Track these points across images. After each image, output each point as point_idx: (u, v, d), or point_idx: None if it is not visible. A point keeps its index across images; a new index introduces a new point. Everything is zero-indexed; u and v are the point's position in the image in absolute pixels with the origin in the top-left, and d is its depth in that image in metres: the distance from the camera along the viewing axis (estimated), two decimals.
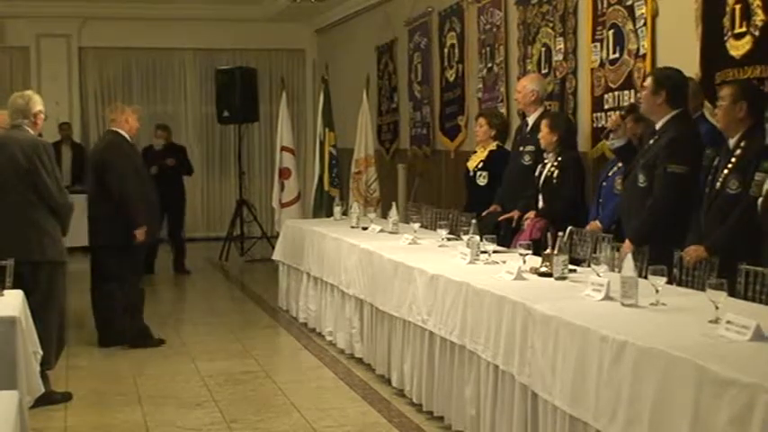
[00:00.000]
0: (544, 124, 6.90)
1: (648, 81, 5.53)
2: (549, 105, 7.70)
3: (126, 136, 7.73)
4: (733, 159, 4.98)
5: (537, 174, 7.02)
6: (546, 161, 6.97)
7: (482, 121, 8.02)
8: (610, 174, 6.45)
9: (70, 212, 6.33)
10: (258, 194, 15.33)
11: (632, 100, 6.57)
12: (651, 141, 5.51)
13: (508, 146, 8.09)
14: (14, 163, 6.02)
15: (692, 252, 5.03)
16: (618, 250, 5.28)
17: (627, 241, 5.39)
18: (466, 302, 4.95)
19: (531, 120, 7.50)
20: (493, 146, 7.89)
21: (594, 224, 6.32)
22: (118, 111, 7.86)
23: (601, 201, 6.55)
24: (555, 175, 6.82)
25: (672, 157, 5.30)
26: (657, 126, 5.49)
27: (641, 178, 5.46)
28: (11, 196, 6.05)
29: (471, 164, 8.00)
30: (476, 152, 8.07)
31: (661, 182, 5.33)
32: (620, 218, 6.02)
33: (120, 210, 7.49)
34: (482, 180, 7.83)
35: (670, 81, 5.48)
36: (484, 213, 7.43)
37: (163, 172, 11.45)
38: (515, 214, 7.13)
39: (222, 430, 5.52)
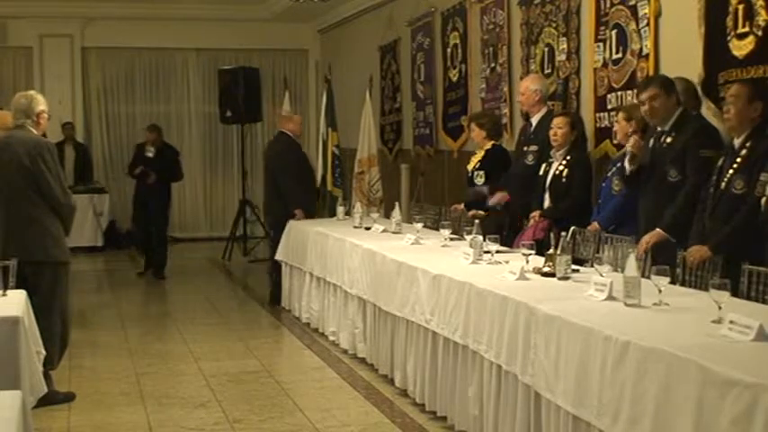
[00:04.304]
0: (564, 122, 6.86)
1: (654, 90, 5.59)
2: (552, 105, 7.70)
3: (291, 135, 9.55)
4: (738, 159, 4.98)
5: (542, 173, 7.01)
6: (552, 160, 6.96)
7: (472, 125, 8.12)
8: (609, 174, 6.45)
9: (73, 212, 6.33)
10: (261, 194, 15.23)
11: (635, 100, 6.54)
12: (669, 140, 5.59)
13: (506, 143, 8.11)
14: (18, 163, 6.02)
15: (696, 252, 5.03)
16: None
17: (656, 231, 5.42)
18: (469, 302, 4.95)
19: (534, 120, 7.50)
20: (488, 145, 7.91)
21: (593, 225, 6.33)
22: (285, 117, 10.01)
23: (600, 201, 6.56)
24: (564, 174, 6.81)
25: (704, 143, 5.42)
26: (667, 126, 5.60)
27: (673, 173, 5.50)
28: (14, 196, 6.04)
29: (470, 165, 8.02)
30: (476, 153, 8.09)
31: (694, 166, 5.41)
32: (621, 220, 6.06)
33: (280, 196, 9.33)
34: (479, 179, 7.83)
35: (672, 83, 5.66)
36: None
37: (147, 174, 11.51)
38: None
39: (225, 430, 5.52)
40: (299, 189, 9.25)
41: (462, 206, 7.98)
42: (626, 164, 5.86)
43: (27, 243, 6.01)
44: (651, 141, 5.77)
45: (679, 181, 5.49)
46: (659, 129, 5.67)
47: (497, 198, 7.54)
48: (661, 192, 5.60)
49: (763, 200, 4.73)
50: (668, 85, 5.63)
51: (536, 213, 6.89)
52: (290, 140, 9.55)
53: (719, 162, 5.15)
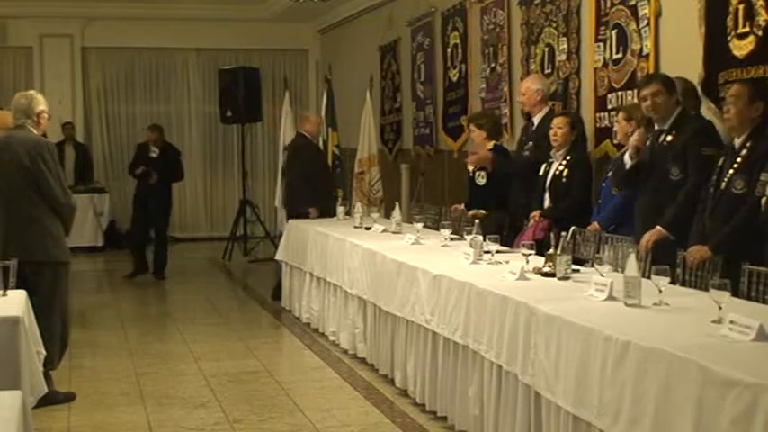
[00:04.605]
0: (564, 122, 6.86)
1: (657, 86, 5.58)
2: (553, 105, 7.70)
3: (307, 135, 9.73)
4: (738, 159, 4.98)
5: (542, 173, 7.01)
6: (552, 160, 6.95)
7: (471, 126, 8.09)
8: (609, 174, 6.44)
9: (73, 212, 6.33)
10: (261, 194, 15.33)
11: (635, 100, 6.54)
12: (669, 138, 5.58)
13: (506, 143, 8.14)
14: (18, 163, 6.02)
15: (696, 252, 5.03)
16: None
17: (657, 229, 5.42)
18: (469, 302, 4.95)
19: (536, 119, 7.51)
20: (489, 145, 7.90)
21: (593, 225, 6.33)
22: (303, 118, 10.12)
23: (600, 201, 6.56)
24: (564, 174, 6.81)
25: (705, 142, 5.43)
26: (667, 125, 5.62)
27: (675, 171, 5.51)
28: (14, 196, 6.05)
29: (471, 166, 8.01)
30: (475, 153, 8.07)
31: (696, 165, 5.41)
32: (621, 220, 6.06)
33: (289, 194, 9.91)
34: (481, 180, 7.83)
35: (673, 82, 5.67)
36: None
37: (149, 174, 11.41)
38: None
39: (225, 430, 5.52)
40: (308, 189, 9.32)
41: (462, 206, 7.98)
42: (626, 158, 5.86)
43: (27, 243, 6.01)
44: (649, 141, 5.77)
45: (681, 180, 5.50)
46: (657, 127, 5.69)
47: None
48: (661, 191, 5.60)
49: (764, 200, 4.72)
50: (669, 83, 5.64)
51: (536, 213, 6.88)
52: (305, 141, 9.70)
53: (720, 162, 5.15)
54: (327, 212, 9.25)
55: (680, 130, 5.57)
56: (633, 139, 5.85)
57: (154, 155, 11.59)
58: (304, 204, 9.22)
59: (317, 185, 9.45)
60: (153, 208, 11.52)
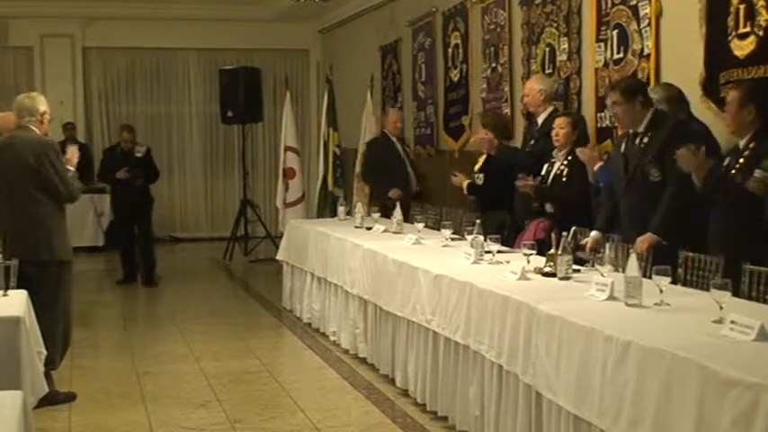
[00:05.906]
0: (566, 123, 6.85)
1: (614, 97, 5.65)
2: (554, 105, 7.70)
3: (386, 132, 10.25)
4: (741, 160, 4.99)
5: (544, 173, 7.00)
6: (554, 160, 6.95)
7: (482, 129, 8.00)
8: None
9: (71, 201, 6.33)
10: (262, 194, 15.34)
11: None
12: (645, 140, 5.58)
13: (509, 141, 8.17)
14: (23, 162, 6.04)
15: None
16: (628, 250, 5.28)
17: (648, 234, 5.40)
18: (470, 302, 4.95)
19: (540, 119, 7.51)
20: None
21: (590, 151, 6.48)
22: (383, 116, 10.63)
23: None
24: (565, 173, 6.80)
25: (684, 141, 5.35)
26: (641, 128, 5.62)
27: (654, 172, 5.49)
28: (19, 196, 6.06)
29: (476, 167, 7.99)
30: (482, 154, 8.03)
31: (675, 165, 5.36)
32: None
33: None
34: (479, 181, 7.83)
35: (634, 87, 5.70)
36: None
37: (136, 175, 11.04)
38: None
39: (226, 430, 5.52)
40: (384, 178, 9.86)
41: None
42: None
43: (31, 242, 6.02)
44: (623, 145, 5.77)
45: (661, 180, 5.49)
46: (632, 131, 5.68)
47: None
48: (643, 193, 5.59)
49: None
50: (629, 91, 5.61)
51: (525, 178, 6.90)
52: (381, 138, 10.26)
53: (726, 162, 5.15)
54: (407, 197, 9.73)
55: (656, 130, 5.56)
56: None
57: (140, 154, 11.21)
58: (384, 191, 9.64)
59: (394, 174, 9.90)
60: (141, 210, 11.10)
